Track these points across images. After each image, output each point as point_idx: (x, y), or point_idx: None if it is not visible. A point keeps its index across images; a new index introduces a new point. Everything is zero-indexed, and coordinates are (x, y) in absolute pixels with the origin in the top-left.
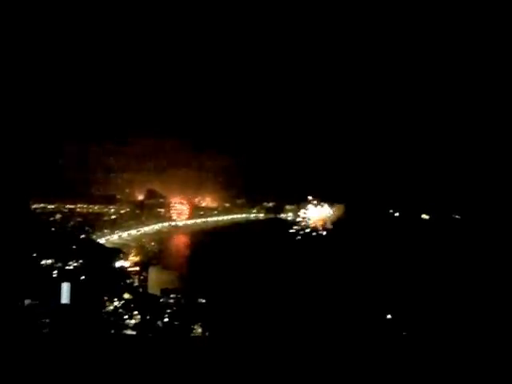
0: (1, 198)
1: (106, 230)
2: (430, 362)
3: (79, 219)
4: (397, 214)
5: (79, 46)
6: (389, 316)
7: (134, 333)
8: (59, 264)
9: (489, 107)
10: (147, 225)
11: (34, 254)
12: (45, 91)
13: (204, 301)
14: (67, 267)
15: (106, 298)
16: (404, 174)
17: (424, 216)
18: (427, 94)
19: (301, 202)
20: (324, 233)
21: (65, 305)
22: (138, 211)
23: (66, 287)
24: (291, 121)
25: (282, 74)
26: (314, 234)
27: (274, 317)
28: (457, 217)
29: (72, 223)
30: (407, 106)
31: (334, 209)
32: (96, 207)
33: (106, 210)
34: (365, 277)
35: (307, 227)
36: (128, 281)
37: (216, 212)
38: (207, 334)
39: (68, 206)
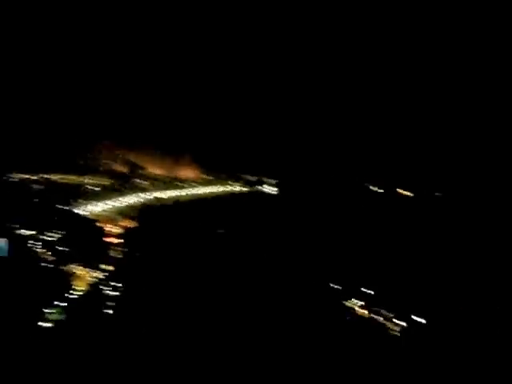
0: None
1: (87, 202)
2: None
3: (58, 189)
4: (376, 189)
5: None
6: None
7: (114, 304)
8: (40, 235)
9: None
10: (126, 196)
11: (14, 226)
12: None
13: (184, 271)
14: (48, 238)
15: (87, 270)
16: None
17: (406, 193)
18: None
19: (280, 176)
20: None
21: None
22: (119, 183)
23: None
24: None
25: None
26: (292, 206)
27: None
28: (438, 194)
29: (50, 193)
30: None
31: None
32: (78, 178)
33: (87, 181)
34: (346, 254)
35: (287, 201)
36: (107, 252)
37: (195, 184)
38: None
39: (50, 177)
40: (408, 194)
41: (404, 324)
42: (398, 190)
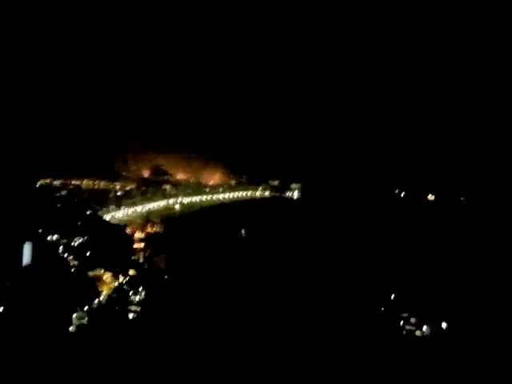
0: (7, 174)
1: (111, 207)
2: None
3: (85, 195)
4: (403, 195)
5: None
6: (392, 296)
7: (138, 309)
8: (65, 240)
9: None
10: (153, 201)
11: (40, 230)
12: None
13: (210, 278)
14: (73, 243)
15: (111, 274)
16: (410, 154)
17: (430, 197)
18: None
19: (306, 181)
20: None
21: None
22: (143, 188)
23: (27, 247)
24: (292, 101)
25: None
26: (318, 212)
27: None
28: (462, 199)
29: (78, 199)
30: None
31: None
32: (102, 183)
33: (111, 186)
34: (369, 256)
35: (312, 206)
36: (133, 257)
37: (221, 189)
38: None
39: (74, 182)
40: (432, 198)
41: (428, 329)
42: (428, 196)
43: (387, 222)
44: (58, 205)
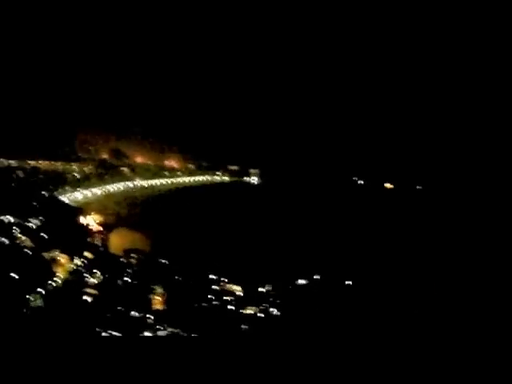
0: None
1: (68, 188)
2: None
3: (41, 176)
4: (361, 182)
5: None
6: (349, 282)
7: (95, 292)
8: (19, 221)
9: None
10: (111, 184)
11: None
12: None
13: (166, 261)
14: (27, 224)
15: (67, 255)
16: (371, 143)
17: (387, 185)
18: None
19: (265, 166)
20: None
21: None
22: (101, 170)
23: None
24: (250, 87)
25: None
26: (277, 198)
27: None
28: (419, 187)
29: (34, 180)
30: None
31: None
32: (59, 164)
33: (69, 167)
34: (328, 244)
35: (271, 191)
36: (89, 239)
37: (180, 173)
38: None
39: (30, 162)
40: (391, 186)
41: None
42: (385, 184)
43: (346, 208)
44: (13, 185)
